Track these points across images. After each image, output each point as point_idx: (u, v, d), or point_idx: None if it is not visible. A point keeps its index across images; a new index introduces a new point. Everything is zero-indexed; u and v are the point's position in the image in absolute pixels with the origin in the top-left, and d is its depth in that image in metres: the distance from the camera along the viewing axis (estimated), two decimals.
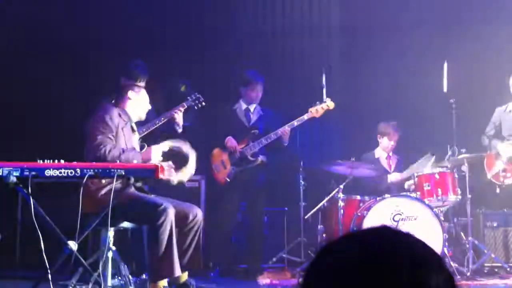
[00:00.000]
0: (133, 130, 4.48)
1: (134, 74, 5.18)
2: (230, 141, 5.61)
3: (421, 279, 0.80)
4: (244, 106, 5.85)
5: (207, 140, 5.75)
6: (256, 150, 5.63)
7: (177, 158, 4.44)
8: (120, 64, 5.39)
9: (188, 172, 4.40)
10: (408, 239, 0.84)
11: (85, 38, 6.41)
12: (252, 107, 5.85)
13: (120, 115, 4.34)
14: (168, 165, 4.11)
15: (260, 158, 5.65)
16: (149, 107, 4.60)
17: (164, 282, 4.16)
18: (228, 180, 5.60)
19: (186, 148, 4.49)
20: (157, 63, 5.94)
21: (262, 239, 5.91)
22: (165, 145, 4.43)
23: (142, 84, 4.77)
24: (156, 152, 4.35)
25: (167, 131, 5.21)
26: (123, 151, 4.16)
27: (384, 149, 6.25)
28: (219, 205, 5.69)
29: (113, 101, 4.49)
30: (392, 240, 0.83)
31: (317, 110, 5.59)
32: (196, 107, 5.59)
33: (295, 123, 5.58)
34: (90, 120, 4.33)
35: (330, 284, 0.81)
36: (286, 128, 5.55)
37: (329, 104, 5.64)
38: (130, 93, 4.48)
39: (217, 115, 5.85)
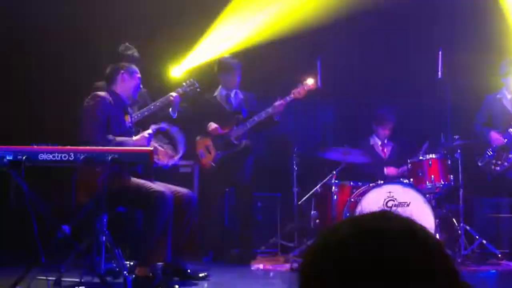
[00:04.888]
0: (126, 113, 4.44)
1: (127, 58, 5.13)
2: (212, 126, 5.60)
3: (428, 264, 0.80)
4: (224, 92, 5.83)
5: (195, 126, 5.72)
6: (240, 134, 5.61)
7: (166, 139, 4.44)
8: (114, 48, 5.36)
9: (179, 151, 4.41)
10: (410, 224, 0.84)
11: (79, 23, 6.34)
12: (232, 93, 5.83)
13: (110, 102, 4.29)
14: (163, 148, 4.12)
15: (244, 141, 5.64)
16: (141, 87, 4.61)
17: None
18: (213, 165, 5.60)
19: (174, 129, 4.50)
20: (150, 47, 5.90)
21: (255, 224, 5.92)
22: (150, 129, 4.38)
23: (135, 67, 4.70)
24: (148, 139, 4.29)
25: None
26: (112, 141, 4.11)
27: (379, 136, 6.26)
28: (208, 190, 5.70)
29: (103, 86, 4.46)
30: (395, 225, 0.83)
31: (299, 92, 5.56)
32: (191, 93, 5.56)
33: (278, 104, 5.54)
34: (82, 109, 4.28)
35: (332, 267, 0.81)
36: (270, 110, 5.53)
37: (310, 83, 5.59)
38: (122, 76, 4.44)
39: (199, 103, 5.79)
